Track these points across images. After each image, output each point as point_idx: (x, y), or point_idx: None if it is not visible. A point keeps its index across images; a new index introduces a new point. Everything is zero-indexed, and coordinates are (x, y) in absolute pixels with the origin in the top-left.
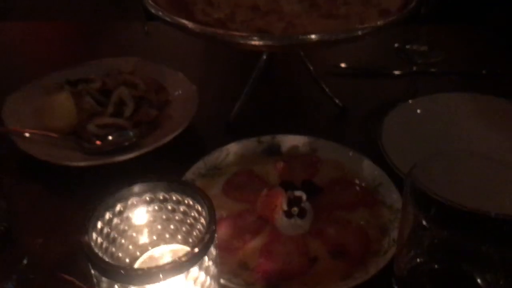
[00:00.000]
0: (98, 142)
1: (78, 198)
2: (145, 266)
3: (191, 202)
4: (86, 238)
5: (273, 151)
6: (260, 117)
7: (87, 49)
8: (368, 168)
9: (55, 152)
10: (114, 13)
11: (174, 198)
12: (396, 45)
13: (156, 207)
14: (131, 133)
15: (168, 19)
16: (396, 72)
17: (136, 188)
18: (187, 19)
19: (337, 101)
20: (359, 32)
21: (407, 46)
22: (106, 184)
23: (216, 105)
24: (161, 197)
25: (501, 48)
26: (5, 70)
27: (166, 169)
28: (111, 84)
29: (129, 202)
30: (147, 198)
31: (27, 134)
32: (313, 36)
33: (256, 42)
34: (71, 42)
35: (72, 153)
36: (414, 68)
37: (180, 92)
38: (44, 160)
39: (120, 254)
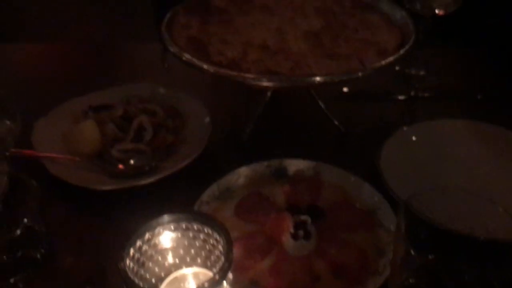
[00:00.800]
0: (120, 166)
1: (105, 218)
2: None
3: (210, 231)
4: (122, 264)
5: (281, 174)
6: (269, 139)
7: (104, 71)
8: (368, 193)
9: (82, 175)
10: (128, 33)
11: (195, 227)
12: (397, 68)
13: (179, 235)
14: (151, 158)
15: (185, 59)
16: (396, 97)
17: (163, 219)
18: (203, 59)
19: (339, 125)
20: (359, 74)
21: (406, 70)
22: (130, 205)
23: (228, 128)
24: (184, 226)
25: (497, 72)
26: (26, 91)
27: (183, 191)
28: (132, 112)
29: (156, 231)
30: (172, 227)
31: (55, 158)
32: (317, 78)
33: (266, 83)
34: (88, 64)
35: (97, 176)
36: (412, 93)
37: (194, 117)
38: (73, 184)
39: (147, 276)
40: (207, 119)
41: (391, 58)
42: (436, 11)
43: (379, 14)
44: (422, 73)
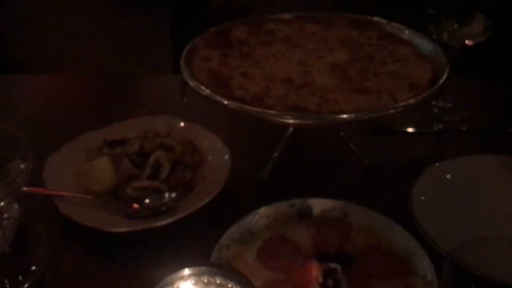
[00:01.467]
0: (135, 206)
1: (119, 264)
2: None
3: (233, 286)
4: None
5: (305, 215)
6: (291, 176)
7: (121, 103)
8: (401, 237)
9: (94, 215)
10: (146, 65)
11: (217, 281)
12: None
13: None
14: (167, 197)
15: (204, 94)
16: (423, 130)
17: (183, 273)
18: (224, 94)
19: (365, 161)
20: (391, 111)
21: (433, 103)
22: (146, 248)
23: (248, 164)
24: (205, 281)
25: None
26: (39, 124)
27: (201, 233)
28: (148, 147)
29: (175, 285)
30: (193, 281)
31: (67, 197)
32: (347, 116)
33: (292, 121)
34: (104, 95)
35: (111, 216)
36: (441, 126)
37: (213, 153)
38: (84, 224)
39: None
40: (227, 155)
41: (424, 94)
42: (465, 41)
43: (408, 45)
44: (450, 105)
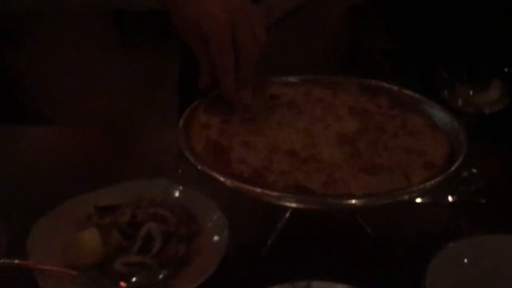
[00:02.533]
0: (122, 284)
1: None
2: None
3: None
4: None
5: None
6: (294, 252)
7: (117, 160)
8: None
9: None
10: (151, 108)
11: None
12: None
13: None
14: (158, 275)
15: (200, 168)
16: (436, 202)
17: None
18: (222, 168)
19: (373, 236)
20: (406, 197)
21: None
22: None
23: (247, 237)
24: None
25: None
26: (26, 182)
27: None
28: (141, 217)
29: None
30: None
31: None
32: (356, 202)
33: (294, 204)
34: (99, 151)
35: None
36: (455, 198)
37: (211, 223)
38: None
39: None
40: (225, 228)
41: (440, 178)
42: (481, 109)
43: (422, 116)
44: (465, 174)
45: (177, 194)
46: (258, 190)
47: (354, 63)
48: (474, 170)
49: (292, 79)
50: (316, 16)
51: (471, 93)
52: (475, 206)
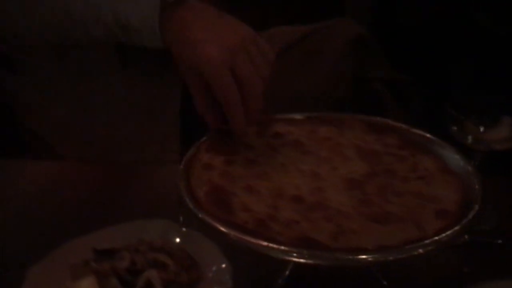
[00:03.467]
0: None
1: None
2: None
3: None
4: None
5: None
6: None
7: (115, 199)
8: None
9: None
10: (146, 145)
11: None
12: None
13: None
14: None
15: (201, 216)
16: None
17: None
18: (225, 218)
19: (382, 280)
20: (420, 251)
21: None
22: None
23: (251, 285)
24: None
25: None
26: (21, 222)
27: None
28: (140, 264)
29: None
30: None
31: None
32: (367, 257)
33: (301, 260)
34: (97, 189)
35: None
36: (466, 237)
37: (213, 270)
38: None
39: None
40: (228, 276)
41: (457, 228)
42: (492, 146)
43: (433, 157)
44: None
45: (178, 237)
46: (263, 243)
47: (356, 93)
48: (486, 207)
49: (296, 116)
50: (319, 46)
51: (481, 130)
52: (490, 247)
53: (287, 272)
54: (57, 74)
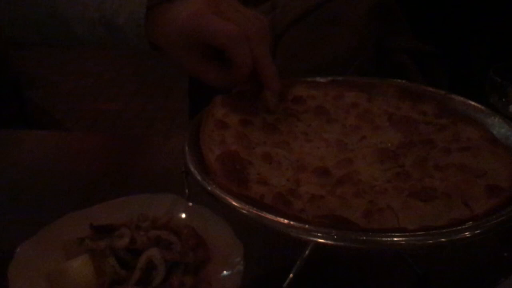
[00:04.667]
0: None
1: None
2: None
3: None
4: None
5: None
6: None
7: (117, 170)
8: None
9: None
10: (162, 110)
11: None
12: None
13: None
14: None
15: (210, 189)
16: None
17: None
18: (239, 191)
19: (417, 268)
20: (467, 234)
21: None
22: None
23: (265, 267)
24: None
25: None
26: (17, 193)
27: None
28: (141, 242)
29: None
30: None
31: None
32: (407, 240)
33: (329, 241)
34: (100, 160)
35: None
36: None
37: (223, 249)
38: None
39: None
40: (240, 256)
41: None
42: None
43: (476, 126)
44: None
45: (184, 212)
46: (283, 221)
47: (379, 65)
48: None
49: (320, 79)
50: (339, 13)
51: None
52: None
53: (306, 253)
54: (64, 49)
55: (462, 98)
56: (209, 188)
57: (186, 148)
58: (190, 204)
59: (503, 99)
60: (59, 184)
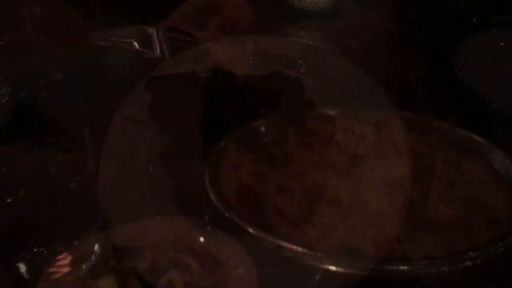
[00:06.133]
0: None
1: None
2: None
3: None
4: None
5: None
6: None
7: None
8: None
9: None
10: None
11: None
12: None
13: None
14: None
15: (229, 216)
16: None
17: None
18: (256, 220)
19: None
20: (469, 263)
21: None
22: None
23: None
24: None
25: None
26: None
27: None
28: (161, 264)
29: None
30: None
31: None
32: (415, 267)
33: (340, 269)
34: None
35: None
36: None
37: (238, 273)
38: None
39: None
40: (253, 282)
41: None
42: None
43: (480, 160)
44: None
45: (202, 236)
46: (298, 249)
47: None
48: None
49: (330, 111)
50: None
51: None
52: None
53: (316, 278)
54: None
55: (466, 132)
56: (228, 215)
57: (207, 180)
58: (209, 228)
59: (506, 134)
60: (80, 204)
